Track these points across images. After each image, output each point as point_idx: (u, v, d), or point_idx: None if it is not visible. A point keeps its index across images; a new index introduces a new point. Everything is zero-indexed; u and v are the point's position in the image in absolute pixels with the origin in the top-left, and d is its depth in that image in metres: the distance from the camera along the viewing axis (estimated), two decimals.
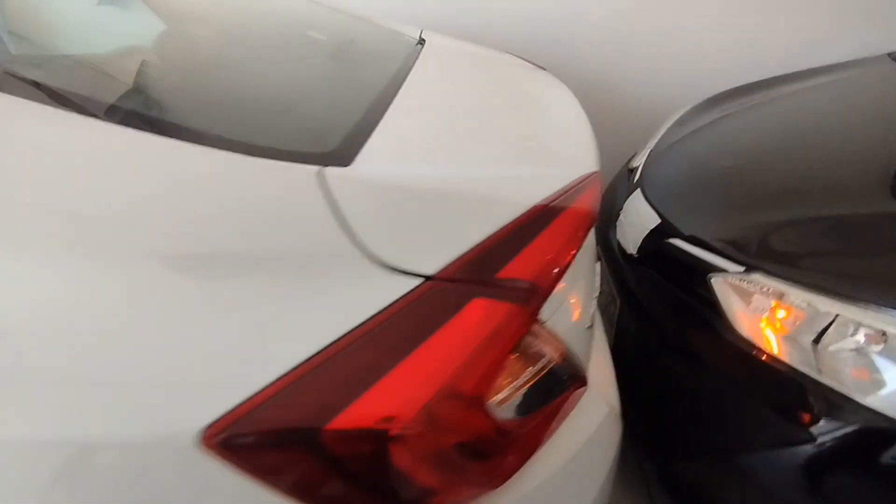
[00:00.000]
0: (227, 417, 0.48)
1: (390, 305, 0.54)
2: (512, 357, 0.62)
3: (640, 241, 1.31)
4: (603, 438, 0.80)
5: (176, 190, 0.56)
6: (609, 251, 1.46)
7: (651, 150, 1.57)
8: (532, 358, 0.64)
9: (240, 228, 0.55)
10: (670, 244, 1.21)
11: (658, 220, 1.28)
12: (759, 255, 1.07)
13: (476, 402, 0.56)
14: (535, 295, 0.60)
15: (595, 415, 0.79)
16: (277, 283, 0.53)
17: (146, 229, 0.52)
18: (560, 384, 0.70)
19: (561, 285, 0.65)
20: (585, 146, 0.87)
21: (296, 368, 0.50)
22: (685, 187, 1.33)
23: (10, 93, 0.59)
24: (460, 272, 0.58)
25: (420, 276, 0.56)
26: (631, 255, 1.33)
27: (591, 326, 0.89)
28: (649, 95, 2.25)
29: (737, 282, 1.06)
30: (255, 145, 0.62)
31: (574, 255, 0.66)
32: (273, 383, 0.49)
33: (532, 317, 0.61)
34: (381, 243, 0.57)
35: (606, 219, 1.51)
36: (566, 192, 0.71)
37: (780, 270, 1.02)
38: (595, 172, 0.78)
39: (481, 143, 0.84)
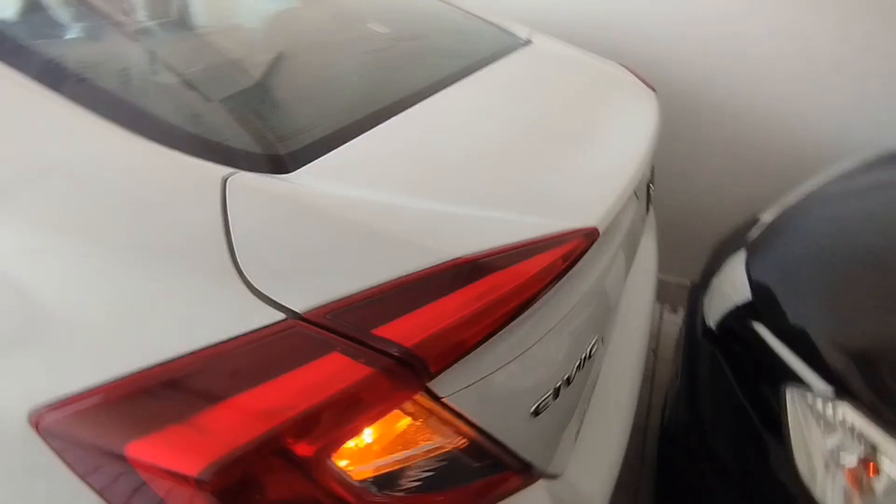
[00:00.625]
0: (51, 406, 0.48)
1: (239, 336, 0.49)
2: (387, 430, 0.53)
3: (722, 315, 1.05)
4: None
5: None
6: (692, 315, 1.21)
7: (783, 207, 1.25)
8: (415, 436, 0.54)
9: (126, 213, 0.54)
10: (753, 330, 0.95)
11: (748, 297, 1.01)
12: (863, 379, 0.78)
13: (308, 463, 0.48)
14: (415, 366, 0.50)
15: None
16: (138, 278, 0.51)
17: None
18: (466, 471, 0.58)
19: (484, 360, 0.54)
20: (606, 196, 0.70)
21: (122, 378, 0.48)
22: (799, 264, 1.02)
23: None
24: (332, 317, 0.50)
25: (286, 310, 0.50)
26: (709, 328, 1.08)
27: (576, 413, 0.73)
28: (810, 138, 1.81)
29: (819, 406, 0.79)
30: (197, 134, 0.61)
31: (493, 327, 0.53)
32: (92, 388, 0.48)
33: (408, 388, 0.50)
34: (259, 265, 0.51)
35: (707, 275, 1.26)
36: (522, 246, 0.57)
37: (885, 412, 0.73)
38: (588, 230, 0.62)
39: (482, 169, 0.72)
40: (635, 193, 0.93)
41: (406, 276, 0.52)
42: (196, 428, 0.46)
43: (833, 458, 0.75)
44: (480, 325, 0.52)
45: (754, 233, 1.23)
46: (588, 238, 0.61)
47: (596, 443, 0.87)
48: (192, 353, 0.48)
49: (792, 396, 0.82)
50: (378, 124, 0.75)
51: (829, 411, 0.77)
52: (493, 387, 0.57)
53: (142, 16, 1.30)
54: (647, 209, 1.00)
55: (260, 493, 0.48)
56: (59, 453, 0.49)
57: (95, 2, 1.12)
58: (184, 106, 0.71)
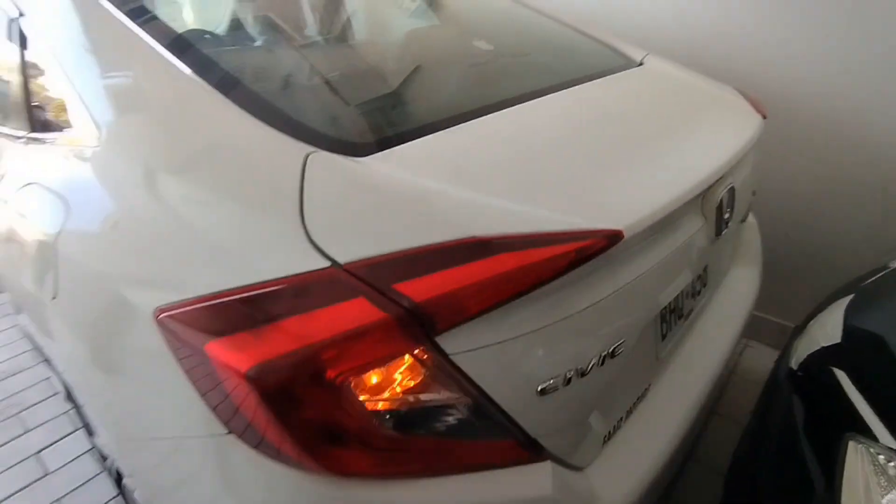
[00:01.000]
0: (164, 308, 0.67)
1: (296, 274, 0.63)
2: (396, 372, 0.63)
3: (806, 355, 0.98)
4: None
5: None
6: (783, 356, 1.13)
7: None
8: (420, 383, 0.63)
9: (239, 174, 0.72)
10: (832, 373, 0.88)
11: (837, 340, 0.93)
12: None
13: (328, 382, 0.60)
14: (423, 319, 0.59)
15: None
16: (234, 221, 0.68)
17: None
18: (465, 427, 0.66)
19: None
20: (645, 205, 0.73)
21: (209, 295, 0.64)
22: None
23: None
24: (364, 270, 0.61)
25: (332, 260, 0.63)
26: (791, 368, 1.01)
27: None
28: None
29: (881, 459, 0.72)
30: (300, 122, 0.78)
31: (496, 299, 0.60)
32: (190, 300, 0.65)
33: (416, 339, 0.60)
34: (318, 223, 0.65)
35: (809, 317, 1.16)
36: (540, 235, 0.64)
37: None
38: (611, 232, 0.66)
39: (540, 169, 0.80)
40: (703, 214, 0.92)
41: (429, 245, 0.62)
42: (250, 337, 0.61)
43: None
44: (484, 295, 0.60)
45: (871, 279, 1.11)
46: (609, 239, 0.66)
47: (630, 453, 0.88)
48: (260, 283, 0.63)
49: (855, 447, 0.76)
50: (455, 125, 0.86)
51: (892, 467, 0.70)
52: (501, 356, 0.64)
53: (309, 34, 1.58)
54: (719, 233, 0.97)
55: (288, 395, 0.61)
56: (168, 342, 0.67)
57: (279, 24, 1.40)
58: (301, 101, 0.89)
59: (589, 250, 0.64)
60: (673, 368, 1.04)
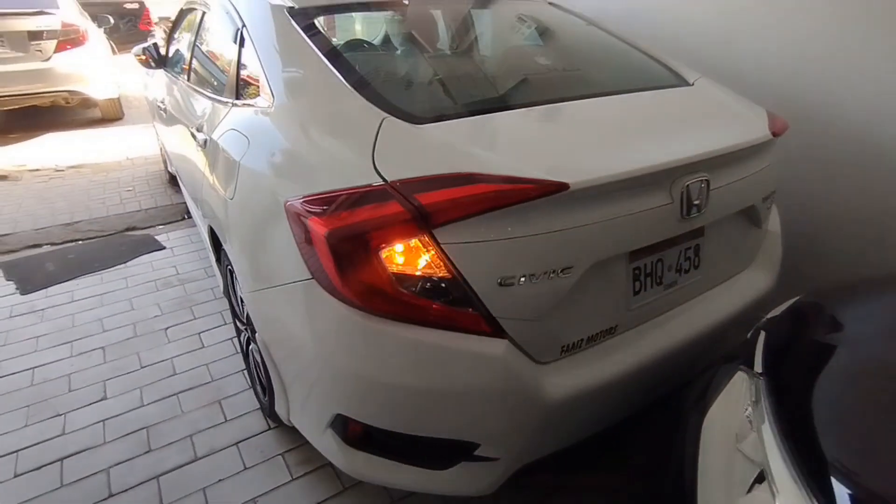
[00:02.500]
0: (287, 200, 1.14)
1: (361, 186, 1.06)
2: (407, 250, 1.03)
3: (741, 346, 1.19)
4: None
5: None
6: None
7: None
8: (420, 259, 1.03)
9: (342, 125, 1.18)
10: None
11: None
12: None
13: (369, 247, 1.02)
14: (426, 216, 0.99)
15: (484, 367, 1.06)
16: (329, 148, 1.15)
17: None
18: (442, 294, 1.04)
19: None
20: (601, 171, 1.06)
21: (309, 195, 1.10)
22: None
23: None
24: (402, 185, 1.03)
25: (383, 179, 1.05)
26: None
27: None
28: None
29: (756, 383, 0.96)
30: (388, 100, 1.23)
31: (472, 211, 0.98)
32: (300, 196, 1.12)
33: (422, 229, 1.00)
34: (384, 159, 1.08)
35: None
36: (508, 178, 1.01)
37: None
38: (560, 184, 1.00)
39: (547, 142, 1.18)
40: (670, 194, 1.19)
41: (436, 174, 1.02)
42: (332, 216, 1.05)
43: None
44: (465, 207, 0.99)
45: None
46: (557, 188, 1.00)
47: (584, 367, 1.18)
48: (342, 189, 1.07)
49: (742, 375, 0.99)
50: (492, 112, 1.26)
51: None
52: (474, 251, 1.02)
53: (439, 48, 2.06)
54: (687, 214, 1.23)
55: (345, 252, 1.04)
56: (288, 219, 1.14)
57: (418, 38, 1.90)
58: (393, 88, 1.35)
59: (535, 192, 1.00)
60: (649, 326, 1.31)
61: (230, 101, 1.70)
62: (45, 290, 2.67)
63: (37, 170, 4.52)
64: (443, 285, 1.04)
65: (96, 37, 5.79)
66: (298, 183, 1.17)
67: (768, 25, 2.03)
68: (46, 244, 3.20)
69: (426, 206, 0.99)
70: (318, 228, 1.05)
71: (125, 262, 2.94)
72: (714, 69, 2.12)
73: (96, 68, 5.53)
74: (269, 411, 1.76)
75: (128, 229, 3.39)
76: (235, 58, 1.70)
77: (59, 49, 5.22)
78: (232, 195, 1.43)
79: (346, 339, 1.09)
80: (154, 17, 10.97)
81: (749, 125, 1.40)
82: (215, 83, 1.97)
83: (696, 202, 1.21)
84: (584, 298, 1.15)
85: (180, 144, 2.41)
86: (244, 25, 1.67)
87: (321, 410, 1.22)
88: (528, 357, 1.12)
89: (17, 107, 5.37)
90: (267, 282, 1.28)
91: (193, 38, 2.33)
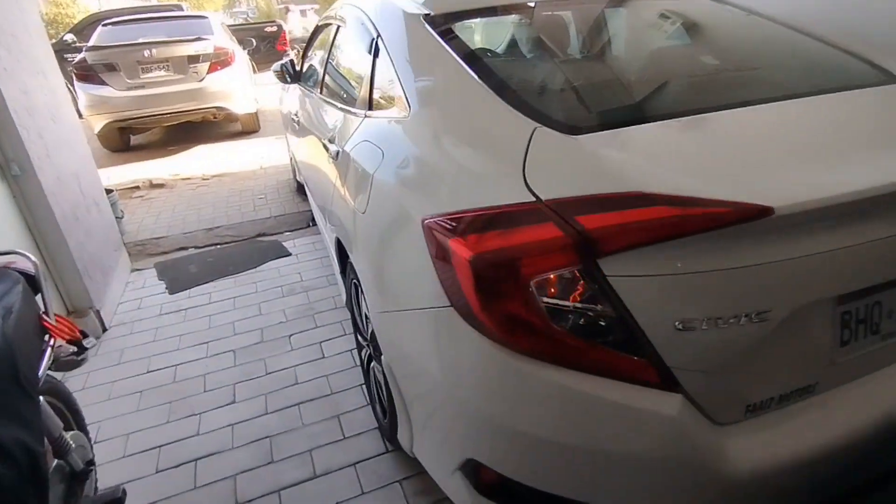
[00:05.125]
0: (425, 217, 1.04)
1: (510, 204, 0.93)
2: (563, 279, 0.88)
3: None
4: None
5: None
6: None
7: None
8: (578, 291, 0.86)
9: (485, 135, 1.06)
10: None
11: None
12: None
13: (518, 273, 0.88)
14: (590, 242, 0.83)
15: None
16: (476, 164, 1.03)
17: None
18: (596, 333, 0.87)
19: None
20: (808, 192, 0.82)
21: (450, 213, 0.99)
22: None
23: None
24: (559, 205, 0.88)
25: (536, 197, 0.91)
26: None
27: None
28: None
29: None
30: (538, 109, 1.08)
31: (649, 239, 0.80)
32: (440, 214, 1.01)
33: (580, 255, 0.84)
34: (536, 173, 0.94)
35: None
36: (695, 199, 0.81)
37: None
38: (763, 208, 0.79)
39: (722, 156, 0.96)
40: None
41: (604, 193, 0.86)
42: (477, 237, 0.93)
43: None
44: (640, 233, 0.81)
45: None
46: (759, 213, 0.79)
47: (778, 434, 0.94)
48: (489, 207, 0.94)
49: None
50: (662, 119, 1.06)
51: None
52: (648, 287, 0.84)
53: (569, 52, 1.91)
54: None
55: (491, 280, 0.91)
56: (426, 239, 1.04)
57: (559, 42, 1.76)
58: (548, 95, 1.20)
59: (730, 217, 0.79)
60: (858, 385, 1.03)
61: (363, 112, 1.66)
62: (188, 291, 2.88)
63: (188, 178, 5.01)
64: (604, 324, 0.87)
65: (241, 58, 6.36)
66: (437, 199, 1.07)
67: None
68: (191, 247, 3.48)
69: (591, 230, 0.83)
70: (461, 251, 0.93)
71: (256, 267, 3.10)
72: None
73: (240, 86, 6.06)
74: (388, 435, 1.69)
75: (259, 235, 3.59)
76: (369, 68, 1.67)
77: (210, 70, 5.79)
78: (363, 208, 1.37)
79: (486, 379, 0.96)
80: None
81: None
82: (348, 95, 1.97)
83: None
84: (777, 347, 0.91)
85: (311, 155, 2.47)
86: (379, 35, 1.63)
87: (451, 451, 1.10)
88: (706, 416, 0.91)
89: (176, 122, 6.05)
90: (397, 304, 1.20)
91: (327, 52, 2.38)
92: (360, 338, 1.91)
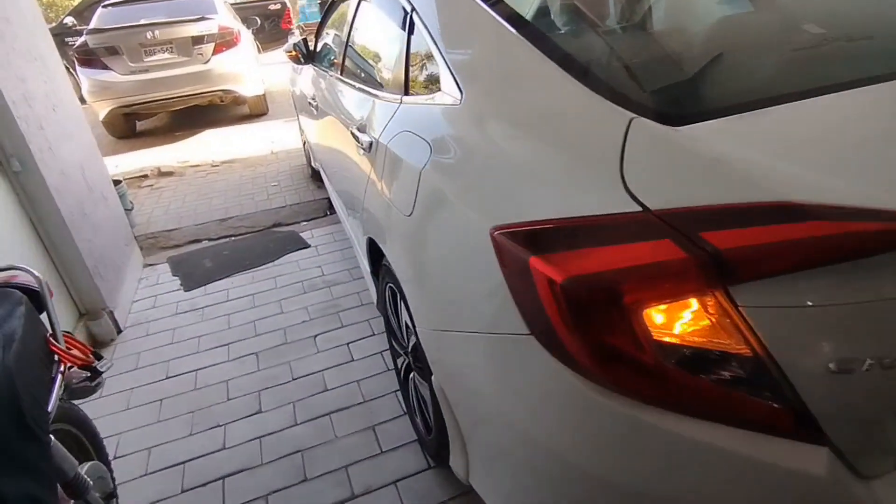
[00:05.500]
0: (494, 227, 0.87)
1: (610, 214, 0.76)
2: (684, 310, 0.71)
3: None
4: None
5: None
6: None
7: None
8: (703, 325, 0.70)
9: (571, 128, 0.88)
10: None
11: None
12: None
13: (626, 307, 0.71)
14: (722, 265, 0.66)
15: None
16: (562, 167, 0.85)
17: None
18: (737, 380, 0.70)
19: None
20: None
21: (530, 221, 0.82)
22: None
23: None
24: (671, 216, 0.71)
25: (641, 205, 0.74)
26: None
27: None
28: None
29: None
30: (625, 94, 0.90)
31: (802, 261, 0.63)
32: (515, 223, 0.84)
33: (707, 282, 0.67)
34: (639, 176, 0.77)
35: None
36: (856, 209, 0.63)
37: None
38: None
39: (860, 155, 0.77)
40: None
41: (740, 203, 0.68)
42: (569, 256, 0.76)
43: None
44: (789, 256, 0.64)
45: None
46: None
47: None
48: (580, 217, 0.77)
49: None
50: (775, 105, 0.87)
51: None
52: (795, 321, 0.67)
53: (611, 22, 1.69)
54: None
55: (590, 308, 0.74)
56: (497, 253, 0.87)
57: (586, 13, 1.55)
58: (640, 77, 1.01)
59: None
60: None
61: (398, 96, 1.48)
62: (203, 288, 2.74)
63: (197, 165, 4.85)
64: (733, 364, 0.70)
65: (246, 38, 6.12)
66: (506, 204, 0.90)
67: None
68: (205, 239, 3.34)
69: (724, 251, 0.66)
70: (549, 272, 0.76)
71: (273, 261, 2.95)
72: None
73: (247, 68, 5.83)
74: (431, 452, 1.55)
75: (274, 225, 3.43)
76: (403, 47, 1.48)
77: (216, 51, 5.57)
78: (408, 210, 1.20)
79: (575, 422, 0.80)
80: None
81: None
82: (378, 77, 1.78)
83: None
84: None
85: (332, 142, 2.29)
86: (414, 9, 1.43)
87: (526, 495, 0.95)
88: (851, 470, 0.75)
89: (182, 107, 5.84)
90: (454, 324, 1.04)
91: (349, 30, 2.17)
92: (395, 345, 1.76)
